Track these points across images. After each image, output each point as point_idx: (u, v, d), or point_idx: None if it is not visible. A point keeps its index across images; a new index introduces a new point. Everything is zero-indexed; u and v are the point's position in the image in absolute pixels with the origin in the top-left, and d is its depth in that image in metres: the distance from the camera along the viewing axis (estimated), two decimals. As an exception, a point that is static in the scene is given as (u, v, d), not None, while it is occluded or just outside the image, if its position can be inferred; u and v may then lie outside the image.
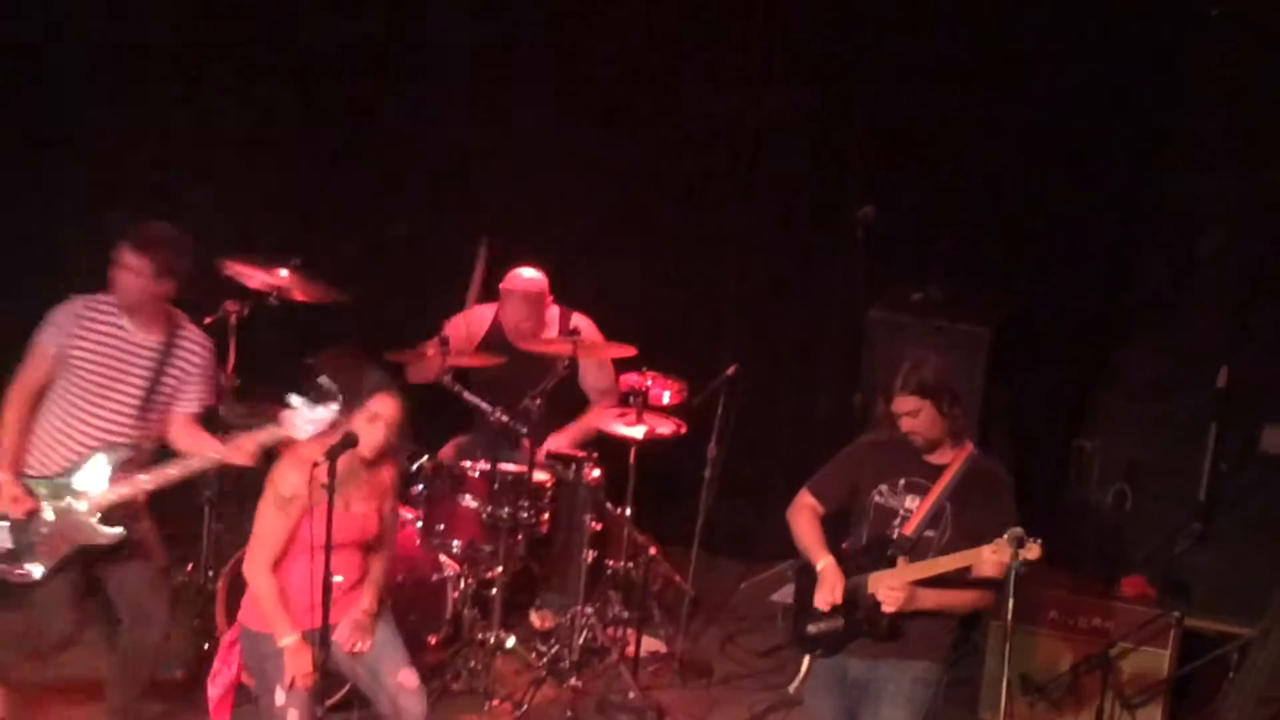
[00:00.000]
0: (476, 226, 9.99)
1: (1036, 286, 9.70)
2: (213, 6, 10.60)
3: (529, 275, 9.30)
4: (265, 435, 7.45)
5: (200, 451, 7.54)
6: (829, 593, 6.76)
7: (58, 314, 7.50)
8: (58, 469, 7.46)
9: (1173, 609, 8.67)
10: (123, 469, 7.47)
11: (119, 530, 7.49)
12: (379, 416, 6.90)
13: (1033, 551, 6.47)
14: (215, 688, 7.19)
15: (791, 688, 7.02)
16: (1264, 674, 8.18)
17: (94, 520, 7.45)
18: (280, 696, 6.90)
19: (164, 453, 7.66)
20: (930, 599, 6.68)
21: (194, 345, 7.61)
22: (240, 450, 7.46)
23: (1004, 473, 6.86)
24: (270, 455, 7.45)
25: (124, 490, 7.47)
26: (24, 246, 9.99)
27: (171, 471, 7.53)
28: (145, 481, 7.50)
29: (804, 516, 6.96)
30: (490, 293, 9.49)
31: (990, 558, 6.53)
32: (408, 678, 7.13)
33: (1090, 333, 9.80)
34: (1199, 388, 9.51)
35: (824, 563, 6.82)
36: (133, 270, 7.37)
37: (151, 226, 7.50)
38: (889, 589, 6.65)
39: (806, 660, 6.96)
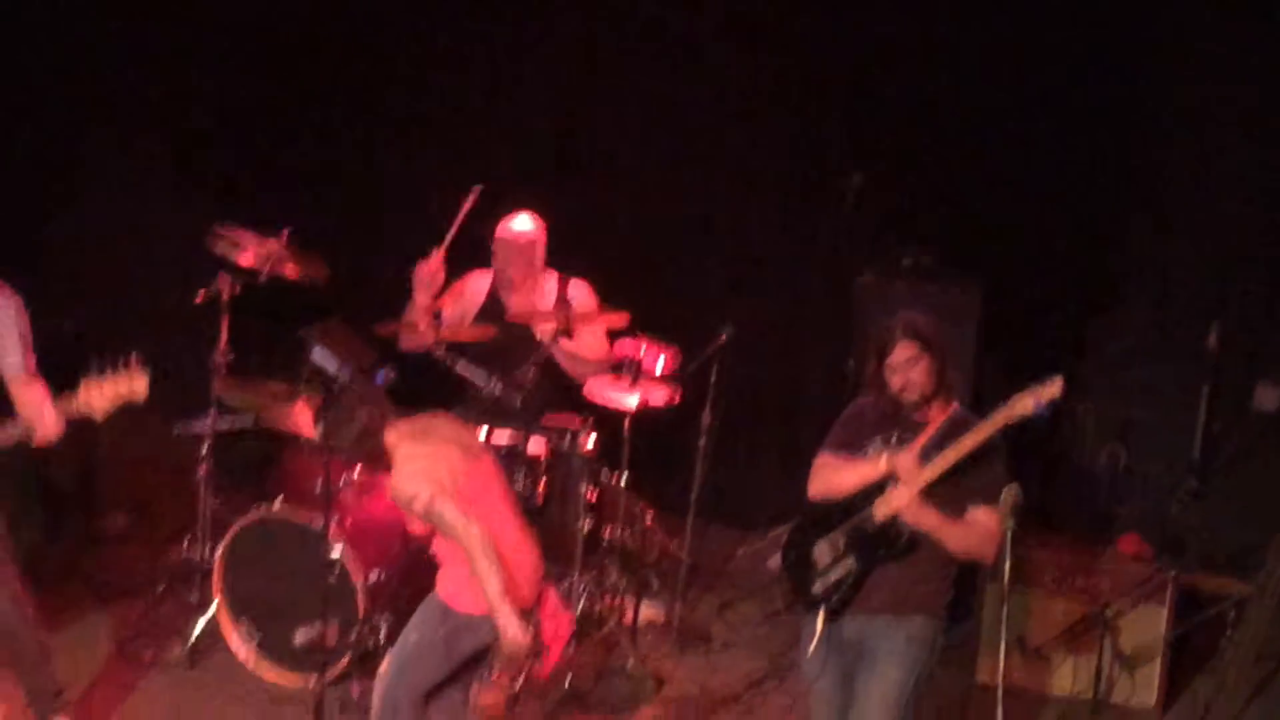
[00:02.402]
0: (464, 186, 10.02)
1: (1026, 249, 9.70)
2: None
3: (520, 223, 9.19)
4: (63, 406, 7.13)
5: (29, 415, 7.18)
6: (909, 457, 6.68)
7: None
8: None
9: (1169, 567, 8.71)
10: None
11: None
12: None
13: (1055, 386, 6.41)
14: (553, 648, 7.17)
15: (810, 649, 6.97)
16: (1262, 630, 8.20)
17: None
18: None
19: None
20: (933, 517, 6.64)
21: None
22: (44, 423, 7.13)
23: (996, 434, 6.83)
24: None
25: None
26: None
27: None
28: None
29: (831, 464, 6.92)
30: (474, 252, 9.42)
31: (1005, 419, 6.49)
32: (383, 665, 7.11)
33: (1081, 294, 9.81)
34: (1190, 347, 9.54)
35: (885, 454, 6.76)
36: None
37: None
38: (900, 493, 6.61)
39: (819, 620, 6.90)
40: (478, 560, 6.59)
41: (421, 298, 8.98)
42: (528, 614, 6.88)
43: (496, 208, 9.21)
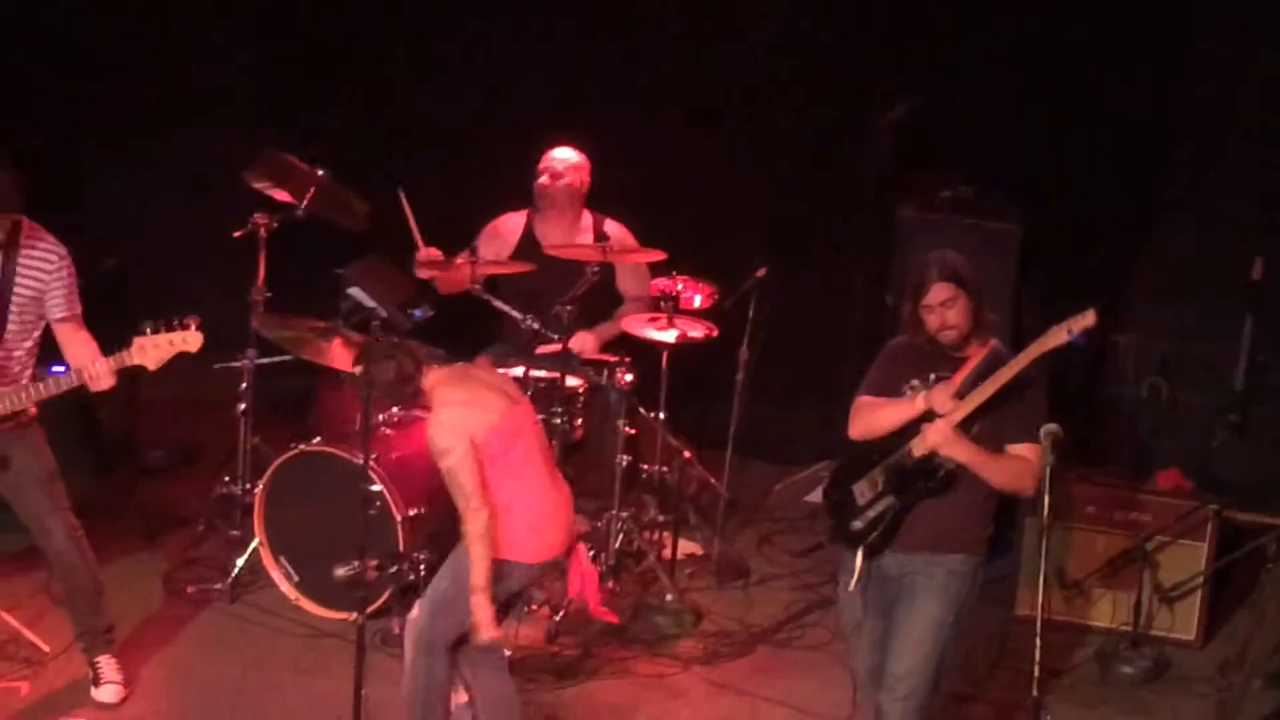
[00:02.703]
0: (508, 131, 10.01)
1: (1068, 181, 9.65)
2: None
3: (564, 152, 9.23)
4: (120, 359, 7.21)
5: (76, 361, 7.29)
6: (946, 392, 6.61)
7: None
8: None
9: (1209, 501, 8.68)
10: None
11: None
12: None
13: (1088, 318, 6.36)
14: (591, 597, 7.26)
15: (850, 585, 6.97)
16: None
17: None
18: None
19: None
20: (969, 449, 6.62)
21: (45, 254, 7.34)
22: (98, 377, 7.22)
23: (1034, 368, 6.79)
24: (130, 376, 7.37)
25: None
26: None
27: (20, 396, 7.30)
28: (2, 403, 7.29)
29: (871, 404, 6.86)
30: (521, 197, 9.41)
31: (1039, 350, 6.46)
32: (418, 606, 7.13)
33: (1122, 227, 9.76)
34: (1233, 279, 9.49)
35: (923, 392, 6.68)
36: None
37: None
38: (936, 426, 6.60)
39: (858, 557, 6.90)
40: (474, 542, 6.68)
41: (440, 270, 8.98)
42: (557, 564, 6.91)
43: (537, 143, 9.21)
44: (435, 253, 8.94)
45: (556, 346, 8.53)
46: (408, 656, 6.95)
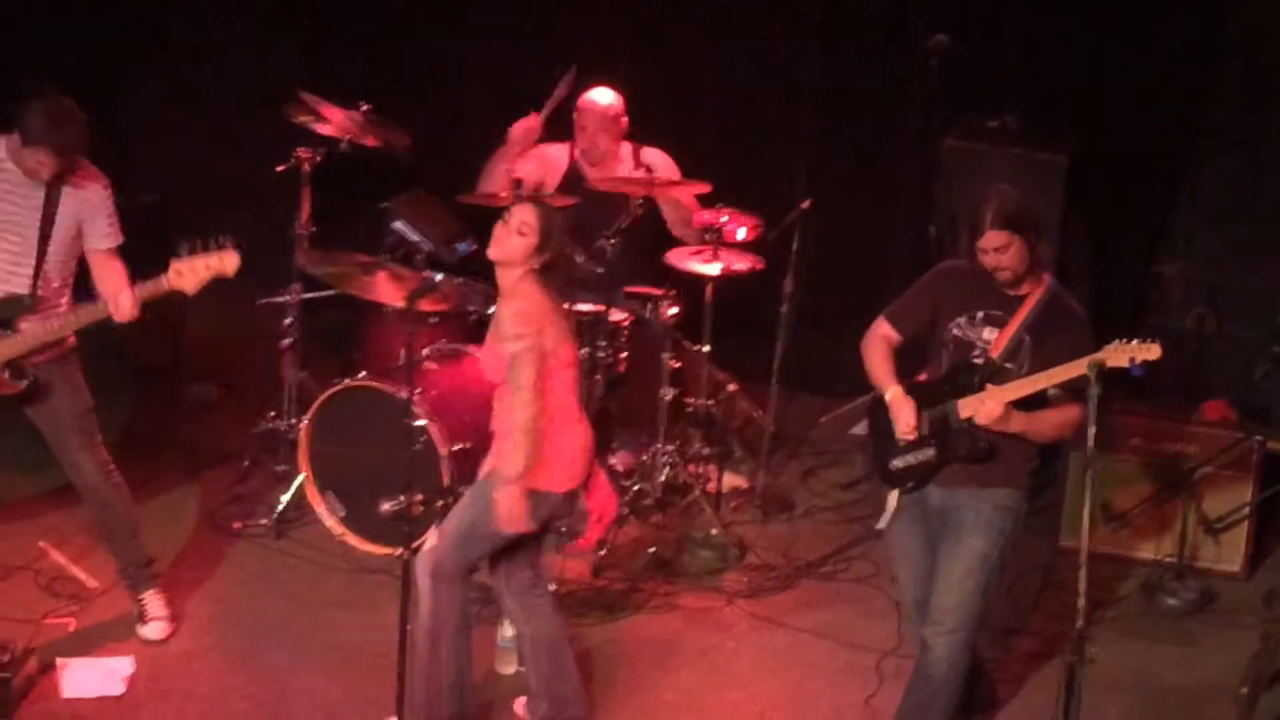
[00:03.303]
0: (548, 65, 9.96)
1: (1113, 112, 9.58)
2: None
3: (602, 94, 9.22)
4: (150, 288, 7.23)
5: (105, 290, 7.30)
6: (906, 421, 6.73)
7: None
8: None
9: (1255, 433, 8.66)
10: (23, 317, 7.29)
11: (24, 382, 7.34)
12: (519, 228, 6.80)
13: (1153, 351, 6.37)
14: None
15: (880, 524, 7.01)
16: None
17: None
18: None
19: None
20: (1020, 420, 6.63)
21: (88, 184, 7.35)
22: (121, 307, 7.23)
23: (1081, 311, 6.77)
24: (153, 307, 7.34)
25: (22, 342, 7.30)
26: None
27: (53, 324, 7.31)
28: (40, 332, 7.28)
29: (878, 347, 6.90)
30: (560, 128, 9.39)
31: (1079, 367, 6.45)
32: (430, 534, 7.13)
33: (1168, 157, 9.70)
34: (1280, 210, 9.44)
35: (892, 391, 6.77)
36: (43, 164, 7.16)
37: (64, 122, 7.15)
38: (987, 408, 6.60)
39: (893, 496, 6.93)
40: (519, 433, 6.65)
41: (511, 154, 8.99)
42: (574, 494, 6.95)
43: (585, 79, 9.19)
44: (535, 122, 9.05)
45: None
46: (422, 587, 6.93)
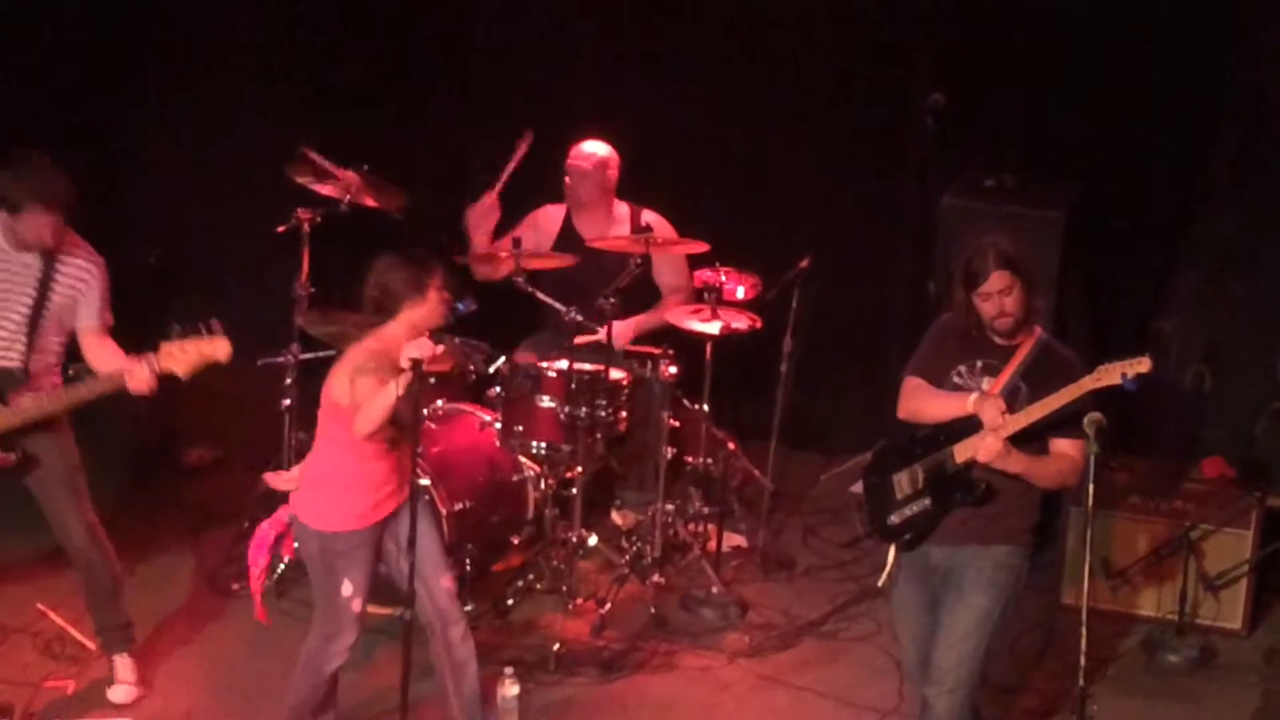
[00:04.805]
0: (545, 123, 10.01)
1: (1110, 170, 9.61)
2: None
3: (590, 146, 9.27)
4: (150, 361, 7.22)
5: (106, 370, 7.31)
6: (995, 405, 6.62)
7: None
8: None
9: (1254, 489, 8.65)
10: (16, 391, 7.32)
11: (13, 455, 7.34)
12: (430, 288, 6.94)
13: (1142, 364, 6.38)
14: (257, 582, 7.33)
15: (880, 581, 7.01)
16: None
17: None
18: (348, 587, 7.00)
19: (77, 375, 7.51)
20: (1020, 460, 6.62)
21: (83, 264, 7.38)
22: (138, 377, 7.22)
23: (1076, 359, 6.78)
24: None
25: (14, 416, 7.29)
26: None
27: (50, 401, 7.33)
28: (33, 407, 7.31)
29: (921, 390, 6.85)
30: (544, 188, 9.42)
31: (1091, 386, 6.47)
32: (449, 581, 7.18)
33: (1165, 214, 9.72)
34: (1277, 267, 9.44)
35: (972, 397, 6.69)
36: (43, 225, 7.19)
37: (44, 174, 7.16)
38: (987, 444, 6.59)
39: (893, 551, 6.92)
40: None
41: (477, 237, 9.09)
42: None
43: (572, 137, 9.23)
44: (490, 202, 9.12)
45: (595, 337, 8.54)
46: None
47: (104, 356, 7.38)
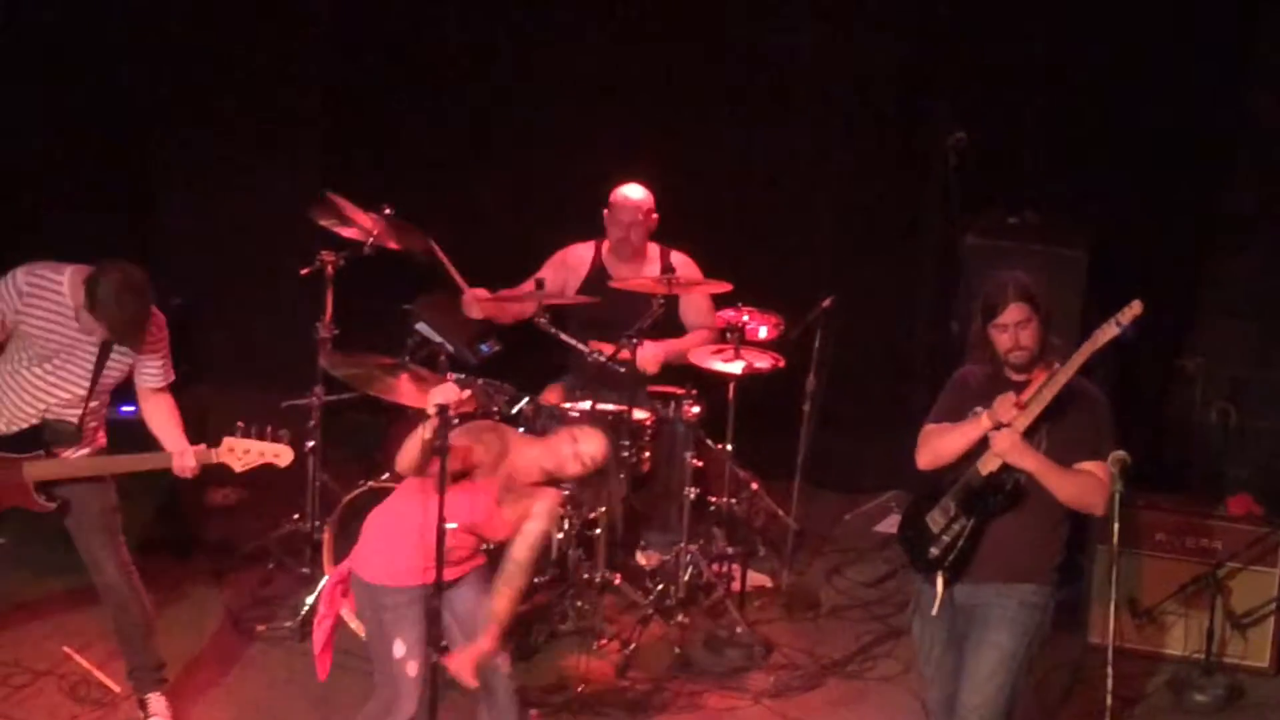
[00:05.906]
0: (565, 165, 10.05)
1: (1133, 206, 9.61)
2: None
3: (634, 190, 9.24)
4: (205, 455, 7.38)
5: (164, 440, 7.43)
6: (1008, 398, 6.62)
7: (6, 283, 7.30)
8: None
9: (1281, 526, 8.63)
10: (67, 446, 7.41)
11: (54, 504, 7.41)
12: (582, 456, 6.96)
13: (1134, 307, 6.42)
14: (320, 632, 7.21)
15: (934, 609, 6.91)
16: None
17: (30, 487, 7.38)
18: (399, 648, 6.89)
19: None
20: (1034, 459, 6.58)
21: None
22: (184, 464, 7.37)
23: (1098, 392, 6.78)
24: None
25: (63, 467, 7.38)
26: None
27: (107, 464, 7.48)
28: (85, 467, 7.42)
29: (937, 430, 6.86)
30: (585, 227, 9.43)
31: (1092, 348, 6.47)
32: (504, 661, 7.09)
33: (1188, 251, 9.73)
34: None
35: (988, 410, 6.69)
36: (95, 331, 7.26)
37: (111, 291, 7.15)
38: (1002, 435, 6.56)
39: (940, 580, 6.85)
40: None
41: (490, 309, 9.03)
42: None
43: (604, 175, 9.24)
44: (482, 292, 8.97)
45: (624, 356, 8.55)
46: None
47: (159, 420, 7.48)
